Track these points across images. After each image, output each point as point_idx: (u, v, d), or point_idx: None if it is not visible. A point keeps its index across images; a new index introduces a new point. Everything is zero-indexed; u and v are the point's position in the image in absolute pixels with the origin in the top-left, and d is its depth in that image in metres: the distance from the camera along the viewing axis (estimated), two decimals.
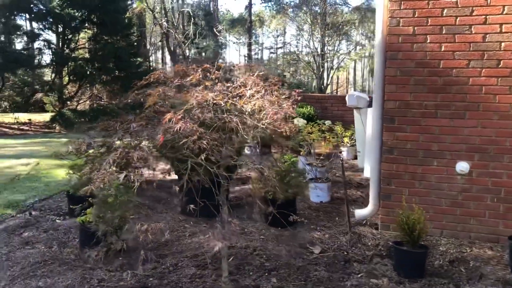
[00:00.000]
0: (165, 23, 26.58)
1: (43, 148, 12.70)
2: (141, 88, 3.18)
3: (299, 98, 3.30)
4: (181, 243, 4.59)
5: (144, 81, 2.99)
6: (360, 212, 4.84)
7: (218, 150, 2.52)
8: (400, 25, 4.43)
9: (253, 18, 42.00)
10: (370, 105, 8.13)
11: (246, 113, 2.69)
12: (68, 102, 21.16)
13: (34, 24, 21.27)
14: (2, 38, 17.37)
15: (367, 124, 7.56)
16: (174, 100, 2.84)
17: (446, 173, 4.44)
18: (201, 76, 2.94)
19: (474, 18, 4.22)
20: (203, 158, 2.44)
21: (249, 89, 2.82)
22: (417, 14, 4.37)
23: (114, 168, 2.37)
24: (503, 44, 4.15)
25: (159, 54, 46.73)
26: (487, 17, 4.17)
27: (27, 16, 20.42)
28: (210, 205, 3.09)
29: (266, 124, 2.75)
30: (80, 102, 22.17)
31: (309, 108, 11.28)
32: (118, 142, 2.48)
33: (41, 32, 19.74)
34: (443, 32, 4.31)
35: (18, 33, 19.04)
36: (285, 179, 4.70)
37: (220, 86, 2.87)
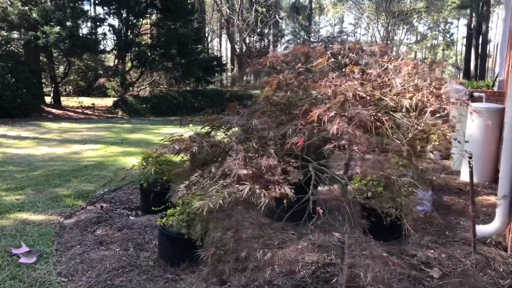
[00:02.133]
0: (226, 9, 26.12)
1: (108, 134, 12.60)
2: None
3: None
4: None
5: (258, 65, 2.39)
6: (483, 229, 4.05)
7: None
8: None
9: (313, 5, 40.93)
10: (469, 99, 7.20)
11: (404, 110, 2.04)
12: (130, 88, 21.24)
13: (99, 9, 21.47)
14: (69, 23, 17.47)
15: (467, 120, 6.66)
16: (296, 89, 2.21)
17: None
18: (331, 59, 2.30)
19: None
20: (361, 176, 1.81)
21: (397, 77, 2.14)
22: None
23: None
24: None
25: (215, 42, 46.66)
26: None
27: (93, 0, 20.58)
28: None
29: (423, 124, 2.08)
30: (141, 88, 22.20)
31: None
32: (237, 145, 1.88)
33: (106, 17, 19.81)
34: None
35: (84, 17, 19.15)
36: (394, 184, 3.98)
37: (358, 74, 2.22)
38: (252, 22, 26.25)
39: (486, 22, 33.39)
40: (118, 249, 4.05)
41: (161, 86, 23.75)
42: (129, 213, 5.30)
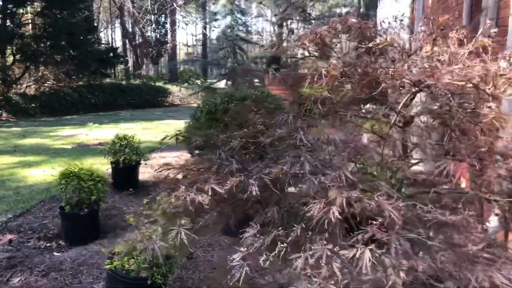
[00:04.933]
0: None
1: None
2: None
3: None
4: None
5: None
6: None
7: None
8: None
9: None
10: None
11: None
12: (14, 85, 18.63)
13: None
14: None
15: None
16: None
17: None
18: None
19: None
20: None
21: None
22: None
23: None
24: None
25: (102, 34, 43.54)
26: None
27: None
28: None
29: None
30: (28, 85, 19.59)
31: None
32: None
33: None
34: None
35: None
36: None
37: (441, 55, 1.55)
38: (148, 10, 24.64)
39: (374, 10, 35.13)
40: None
41: (49, 82, 21.23)
42: (48, 245, 4.18)
